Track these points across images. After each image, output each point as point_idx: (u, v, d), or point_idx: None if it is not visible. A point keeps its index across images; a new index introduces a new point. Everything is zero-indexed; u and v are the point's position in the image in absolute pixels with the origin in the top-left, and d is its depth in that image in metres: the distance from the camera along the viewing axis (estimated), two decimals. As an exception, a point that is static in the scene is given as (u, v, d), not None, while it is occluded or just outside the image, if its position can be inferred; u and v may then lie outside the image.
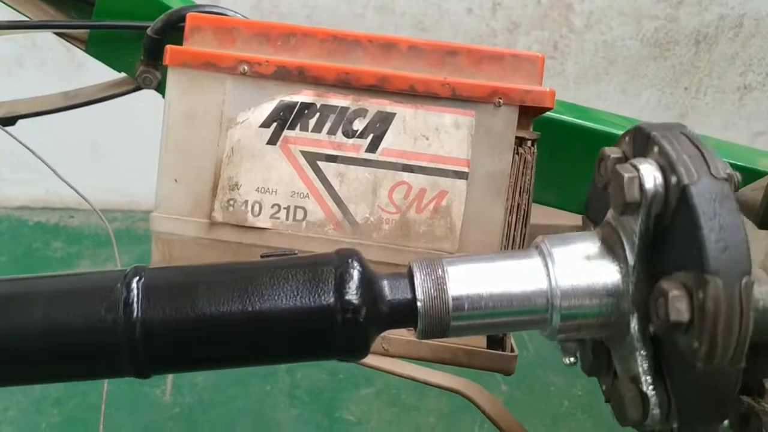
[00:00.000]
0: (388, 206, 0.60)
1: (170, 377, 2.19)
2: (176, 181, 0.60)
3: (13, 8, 0.78)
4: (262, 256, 0.43)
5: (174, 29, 0.78)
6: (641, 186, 0.39)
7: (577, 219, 0.83)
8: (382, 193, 0.60)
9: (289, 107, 0.59)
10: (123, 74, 0.84)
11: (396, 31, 2.36)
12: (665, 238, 0.39)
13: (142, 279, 0.40)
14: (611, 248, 0.42)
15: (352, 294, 0.40)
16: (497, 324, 0.43)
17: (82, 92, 0.84)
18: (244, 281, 0.40)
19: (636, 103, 2.38)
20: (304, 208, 0.60)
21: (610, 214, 0.44)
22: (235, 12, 0.78)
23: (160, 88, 0.82)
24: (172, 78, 0.60)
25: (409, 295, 0.42)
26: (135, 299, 0.39)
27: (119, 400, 2.09)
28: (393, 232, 0.60)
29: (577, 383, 2.23)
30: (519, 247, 0.60)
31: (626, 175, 0.40)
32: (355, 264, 0.41)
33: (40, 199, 2.64)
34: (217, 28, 0.61)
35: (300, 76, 0.59)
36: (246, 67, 0.59)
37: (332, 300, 0.40)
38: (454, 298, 0.42)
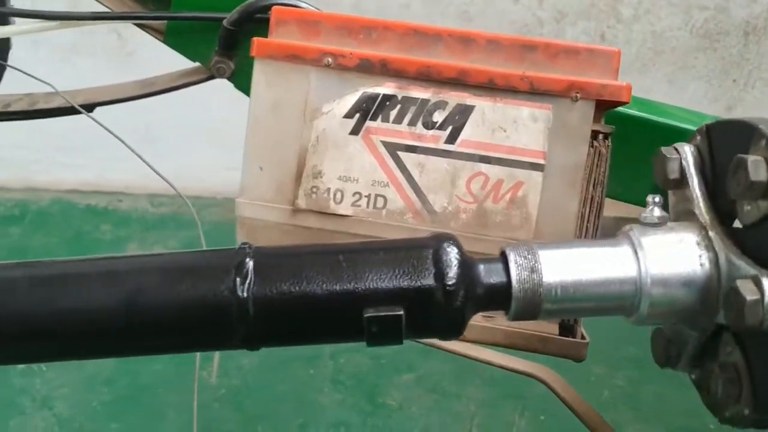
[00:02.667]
0: (465, 196, 0.62)
1: (216, 361, 2.24)
2: (261, 168, 0.63)
3: (103, 3, 0.81)
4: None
5: (249, 21, 0.80)
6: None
7: (638, 211, 0.84)
8: (460, 184, 0.62)
9: (371, 99, 0.62)
10: (196, 64, 0.87)
11: (441, 21, 2.37)
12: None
13: (253, 258, 0.42)
14: (702, 238, 0.44)
15: (452, 276, 0.42)
16: (586, 309, 0.45)
17: (157, 81, 0.87)
18: (347, 262, 0.43)
19: (682, 94, 2.37)
20: (384, 197, 0.62)
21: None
22: (307, 4, 0.81)
23: (233, 78, 0.85)
24: (259, 69, 0.62)
25: (504, 279, 0.44)
26: (248, 277, 0.41)
27: (167, 381, 2.14)
28: (470, 221, 0.62)
29: (619, 374, 2.23)
30: (592, 238, 0.62)
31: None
32: (453, 247, 0.43)
33: (90, 183, 2.70)
34: (301, 21, 0.63)
35: (382, 69, 0.61)
36: (330, 60, 0.61)
37: (432, 282, 0.42)
38: (547, 283, 0.44)
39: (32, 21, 0.80)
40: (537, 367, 0.71)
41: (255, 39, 0.62)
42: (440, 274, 0.42)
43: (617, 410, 2.15)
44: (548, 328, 0.62)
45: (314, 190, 0.62)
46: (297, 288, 0.42)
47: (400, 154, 0.62)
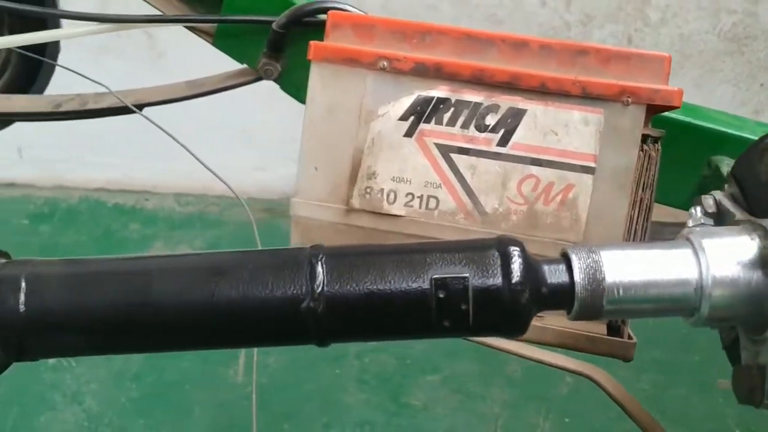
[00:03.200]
0: (516, 198, 0.63)
1: (242, 359, 2.26)
2: (316, 169, 0.64)
3: (149, 3, 0.83)
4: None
5: (297, 24, 0.82)
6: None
7: (682, 215, 0.85)
8: (511, 185, 0.63)
9: (425, 102, 0.63)
10: (242, 66, 0.89)
11: (469, 23, 2.38)
12: None
13: (324, 257, 0.44)
14: (761, 239, 0.45)
15: (518, 276, 0.43)
16: (646, 310, 0.46)
17: (205, 82, 0.89)
18: (415, 261, 0.44)
19: (710, 98, 2.36)
20: (436, 198, 0.64)
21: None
22: (353, 7, 0.82)
23: (280, 80, 0.86)
24: (315, 72, 0.64)
25: (567, 279, 0.45)
26: (320, 276, 0.43)
27: (195, 379, 2.16)
28: (520, 222, 0.63)
29: (644, 377, 2.23)
30: (641, 241, 0.63)
31: None
32: (518, 249, 0.45)
33: (118, 182, 2.74)
34: (356, 25, 0.65)
35: (436, 73, 0.63)
36: (385, 63, 0.63)
37: (499, 281, 0.43)
38: (610, 284, 0.45)
39: (85, 24, 0.82)
40: (588, 366, 0.72)
41: (312, 42, 0.64)
42: (507, 274, 0.43)
43: (642, 414, 2.14)
44: (596, 328, 0.63)
45: (368, 190, 0.64)
46: (367, 286, 0.43)
47: (453, 156, 0.63)
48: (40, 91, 1.01)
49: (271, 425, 2.06)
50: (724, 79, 2.38)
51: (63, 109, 0.91)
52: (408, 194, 0.64)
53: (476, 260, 0.44)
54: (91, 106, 0.91)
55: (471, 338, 0.59)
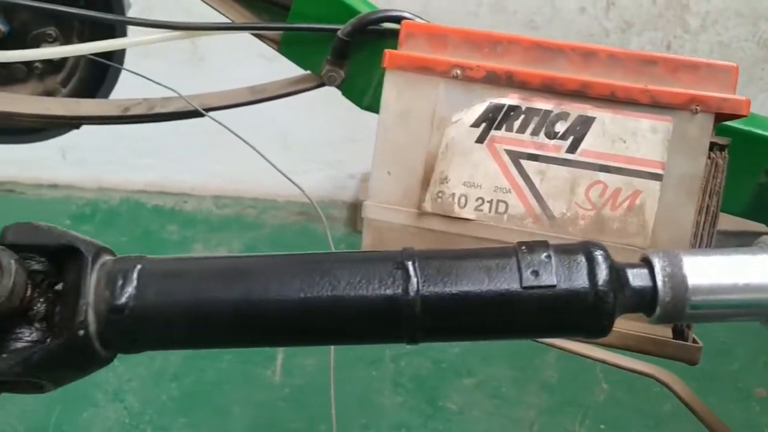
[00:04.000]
0: (584, 203, 0.65)
1: (279, 360, 2.29)
2: (389, 173, 0.66)
3: (217, 10, 0.86)
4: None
5: (362, 32, 0.84)
6: None
7: (738, 222, 0.86)
8: (579, 191, 0.65)
9: (497, 109, 0.65)
10: (306, 72, 0.91)
11: (507, 29, 2.39)
12: None
13: (418, 259, 0.46)
14: None
15: (604, 280, 0.45)
16: (727, 314, 0.47)
17: (268, 87, 0.92)
18: (503, 265, 0.46)
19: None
20: (505, 202, 0.66)
21: None
22: (414, 15, 0.84)
23: (342, 86, 0.89)
24: (390, 80, 0.66)
25: (650, 284, 0.47)
26: (415, 276, 0.45)
27: (233, 379, 2.20)
28: (588, 227, 0.65)
29: (680, 386, 2.22)
30: (708, 247, 0.64)
31: None
32: (603, 253, 0.46)
33: (157, 184, 2.78)
34: (430, 34, 0.67)
35: (508, 81, 0.65)
36: (458, 72, 0.65)
37: (585, 284, 0.45)
38: (691, 288, 0.46)
39: (155, 31, 0.85)
40: (655, 368, 0.73)
41: (387, 51, 0.66)
42: (593, 278, 0.45)
43: (678, 422, 2.14)
44: (662, 331, 0.65)
45: (440, 194, 0.66)
46: (461, 287, 0.45)
47: (523, 162, 0.65)
48: (107, 94, 1.04)
49: (309, 426, 2.09)
50: (764, 86, 2.37)
51: (131, 113, 0.94)
52: (478, 198, 0.66)
53: (563, 263, 0.46)
54: (159, 110, 0.94)
55: (542, 340, 0.61)
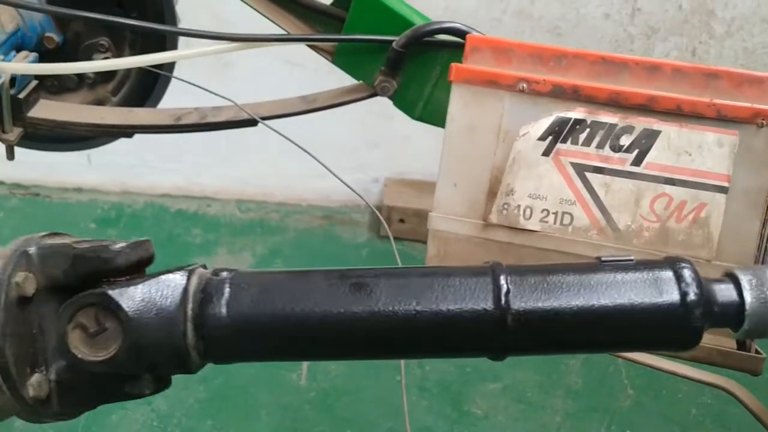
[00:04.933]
0: (649, 215, 0.66)
1: (305, 364, 2.30)
2: (455, 185, 0.68)
3: (273, 21, 0.87)
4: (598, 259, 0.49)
5: (416, 44, 0.85)
6: None
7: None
8: (644, 203, 0.66)
9: (563, 122, 0.66)
10: (357, 82, 0.92)
11: (532, 36, 2.39)
12: None
13: (510, 275, 0.47)
14: None
15: (693, 295, 0.46)
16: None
17: (319, 96, 0.93)
18: (593, 282, 0.47)
19: (774, 111, 2.35)
20: (570, 214, 0.67)
21: None
22: (468, 26, 0.85)
23: (394, 96, 0.90)
24: (456, 93, 0.67)
25: (737, 299, 0.47)
26: (507, 292, 0.46)
27: (259, 382, 2.21)
28: (652, 239, 0.66)
29: (706, 391, 2.22)
30: (772, 259, 0.65)
31: None
32: (691, 268, 0.47)
33: (181, 188, 2.80)
34: (495, 48, 0.68)
35: (574, 95, 0.66)
36: (525, 85, 0.66)
37: (675, 299, 0.46)
38: (781, 303, 0.47)
39: (214, 42, 0.86)
40: (723, 379, 0.74)
41: (453, 65, 0.67)
42: (682, 293, 0.46)
43: (705, 429, 2.14)
44: (727, 342, 0.66)
45: (506, 206, 0.67)
46: (549, 303, 0.46)
47: (588, 174, 0.66)
48: (156, 103, 1.06)
49: (335, 430, 2.10)
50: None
51: (183, 122, 0.95)
52: (543, 210, 0.67)
53: (652, 279, 0.47)
54: (210, 119, 0.95)
55: (620, 354, 0.62)
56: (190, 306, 0.46)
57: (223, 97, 0.90)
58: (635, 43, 2.37)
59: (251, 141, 2.71)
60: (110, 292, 0.46)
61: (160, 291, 0.47)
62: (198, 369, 0.49)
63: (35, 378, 0.47)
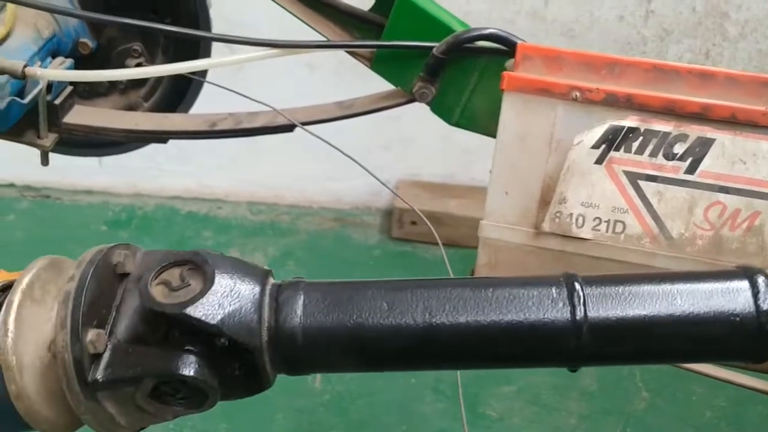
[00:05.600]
0: (702, 223, 0.66)
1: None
2: (507, 193, 0.67)
3: (313, 28, 0.87)
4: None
5: (457, 50, 0.85)
6: None
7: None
8: (698, 212, 0.66)
9: (616, 131, 0.66)
10: (394, 88, 0.92)
11: (545, 38, 2.39)
12: None
13: (585, 284, 0.47)
14: None
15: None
16: None
17: (356, 103, 0.93)
18: (668, 291, 0.47)
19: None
20: (623, 222, 0.66)
21: None
22: (508, 33, 0.85)
23: (433, 103, 0.90)
24: (507, 102, 0.67)
25: None
26: (581, 303, 0.46)
27: (275, 385, 2.20)
28: (705, 247, 0.66)
29: (720, 394, 2.22)
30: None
31: None
32: (765, 278, 0.47)
33: (192, 190, 2.79)
34: (546, 57, 0.68)
35: (627, 103, 0.66)
36: (578, 94, 0.66)
37: (752, 311, 0.46)
38: None
39: (255, 48, 0.86)
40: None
41: (505, 74, 0.67)
42: (757, 303, 0.46)
43: (720, 431, 2.14)
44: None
45: (558, 214, 0.67)
46: (623, 312, 0.46)
47: (641, 182, 0.66)
48: (188, 108, 1.06)
49: (350, 432, 2.10)
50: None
51: (218, 128, 0.95)
52: (596, 218, 0.67)
53: (726, 289, 0.47)
54: (245, 125, 0.95)
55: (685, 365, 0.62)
56: (265, 325, 0.46)
57: (262, 103, 0.90)
58: (648, 45, 2.37)
59: (262, 143, 2.71)
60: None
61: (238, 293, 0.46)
62: (271, 383, 0.49)
63: (94, 332, 0.46)
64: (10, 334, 0.46)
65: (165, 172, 2.76)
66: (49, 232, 2.68)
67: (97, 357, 0.46)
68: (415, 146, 2.68)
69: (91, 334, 0.46)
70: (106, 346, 0.47)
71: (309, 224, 2.78)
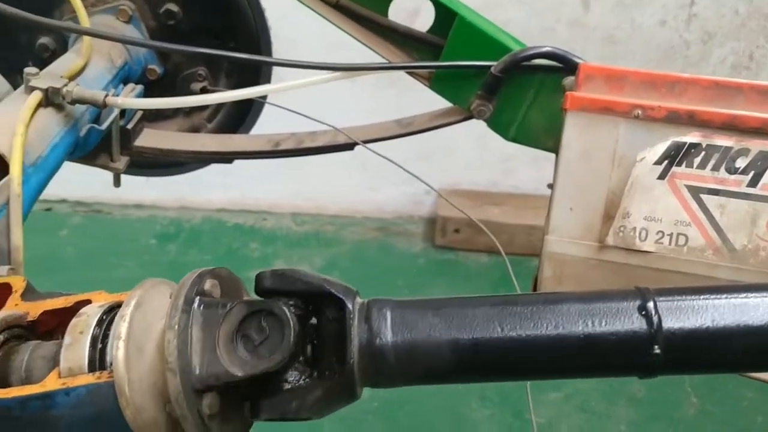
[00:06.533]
0: (765, 235, 0.67)
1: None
2: (571, 209, 0.70)
3: (374, 50, 0.90)
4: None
5: (514, 69, 0.88)
6: None
7: None
8: (761, 223, 0.67)
9: (678, 147, 0.68)
10: (451, 105, 0.95)
11: (585, 44, 2.40)
12: None
13: (658, 296, 0.49)
14: None
15: None
16: None
17: (415, 120, 0.96)
18: (747, 304, 0.49)
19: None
20: (685, 235, 0.68)
21: None
22: (565, 51, 0.87)
23: (490, 119, 0.92)
24: (571, 121, 0.69)
25: None
26: (656, 315, 0.48)
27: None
28: (769, 258, 0.67)
29: (771, 398, 2.20)
30: None
31: None
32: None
33: (237, 202, 2.85)
34: (607, 77, 0.70)
35: (689, 120, 0.68)
36: (639, 112, 0.68)
37: None
38: None
39: (317, 72, 0.89)
40: None
41: (568, 93, 0.70)
42: None
43: (770, 436, 2.13)
44: None
45: (622, 228, 0.69)
46: (697, 322, 0.48)
47: (703, 196, 0.68)
48: (249, 128, 1.10)
49: (399, 439, 2.12)
50: None
51: (281, 147, 0.99)
52: (658, 232, 0.69)
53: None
54: (307, 144, 0.99)
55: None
56: (354, 343, 0.49)
57: (323, 123, 0.94)
58: (691, 48, 2.37)
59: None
60: None
61: None
62: (359, 396, 0.52)
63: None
64: (122, 353, 0.50)
65: (210, 185, 2.82)
66: (101, 245, 2.75)
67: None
68: (454, 156, 2.71)
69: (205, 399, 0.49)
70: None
71: (353, 234, 2.82)
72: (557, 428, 2.18)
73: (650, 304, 0.49)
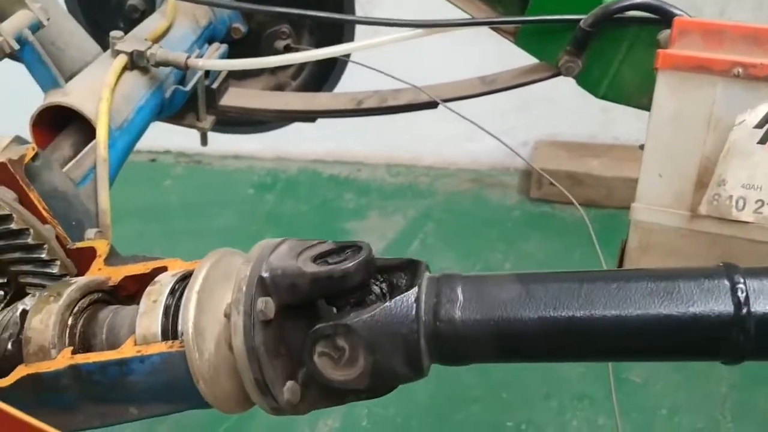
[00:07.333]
0: None
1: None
2: (660, 176, 0.66)
3: (458, 6, 0.87)
4: None
5: (605, 22, 0.82)
6: None
7: None
8: None
9: (783, 109, 0.62)
10: (538, 62, 0.91)
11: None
12: None
13: (747, 276, 0.45)
14: None
15: None
16: None
17: (498, 77, 0.92)
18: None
19: None
20: (788, 205, 0.63)
21: None
22: (664, 2, 0.81)
23: (579, 77, 0.88)
24: (662, 81, 0.65)
25: None
26: (745, 295, 0.45)
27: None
28: None
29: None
30: None
31: None
32: None
33: (333, 154, 2.87)
34: (705, 32, 0.65)
35: (796, 79, 0.62)
36: (740, 70, 0.63)
37: None
38: None
39: (398, 29, 0.87)
40: None
41: (660, 51, 0.65)
42: None
43: None
44: None
45: (716, 197, 0.64)
46: None
47: (812, 163, 0.62)
48: (333, 86, 1.09)
49: (492, 393, 2.12)
50: None
51: (364, 106, 0.98)
52: (758, 201, 0.64)
53: None
54: (391, 102, 0.97)
55: None
56: (422, 319, 0.48)
57: (403, 81, 0.92)
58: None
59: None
60: (350, 323, 0.48)
61: (394, 312, 0.49)
62: (424, 372, 0.51)
63: (289, 385, 0.50)
64: (191, 324, 0.51)
65: (306, 136, 2.84)
66: (202, 195, 2.84)
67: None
68: (552, 106, 2.62)
69: (287, 387, 0.50)
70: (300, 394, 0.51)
71: (447, 185, 2.79)
72: (653, 388, 2.12)
73: (739, 285, 0.45)
